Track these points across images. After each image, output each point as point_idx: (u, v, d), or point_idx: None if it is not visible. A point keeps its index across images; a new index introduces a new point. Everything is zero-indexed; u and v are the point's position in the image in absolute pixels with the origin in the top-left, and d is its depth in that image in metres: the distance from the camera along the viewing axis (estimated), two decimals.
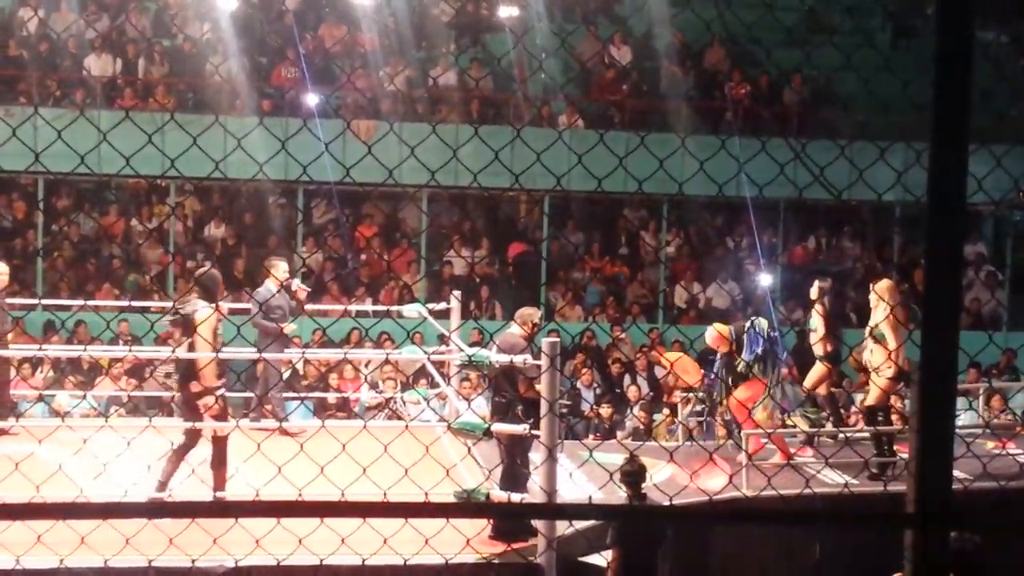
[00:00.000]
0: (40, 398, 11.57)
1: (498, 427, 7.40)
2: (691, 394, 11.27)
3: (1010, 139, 11.89)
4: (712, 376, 9.68)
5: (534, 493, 7.17)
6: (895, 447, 9.16)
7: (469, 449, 8.41)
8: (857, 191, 13.83)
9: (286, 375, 10.57)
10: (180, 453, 7.68)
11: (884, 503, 7.85)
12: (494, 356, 7.77)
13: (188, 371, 7.61)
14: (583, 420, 12.66)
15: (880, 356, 8.86)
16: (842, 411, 10.42)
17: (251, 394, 10.57)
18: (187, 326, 7.57)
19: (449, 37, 17.62)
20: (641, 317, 16.08)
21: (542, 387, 6.92)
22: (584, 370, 13.68)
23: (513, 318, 8.00)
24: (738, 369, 9.12)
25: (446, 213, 17.34)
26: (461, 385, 11.27)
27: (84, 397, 11.08)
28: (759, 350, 9.06)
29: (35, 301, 13.75)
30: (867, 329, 9.15)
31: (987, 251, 17.82)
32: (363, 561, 4.91)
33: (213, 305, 7.69)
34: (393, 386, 12.37)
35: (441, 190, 15.66)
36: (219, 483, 7.59)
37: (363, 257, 16.53)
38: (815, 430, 9.78)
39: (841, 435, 9.61)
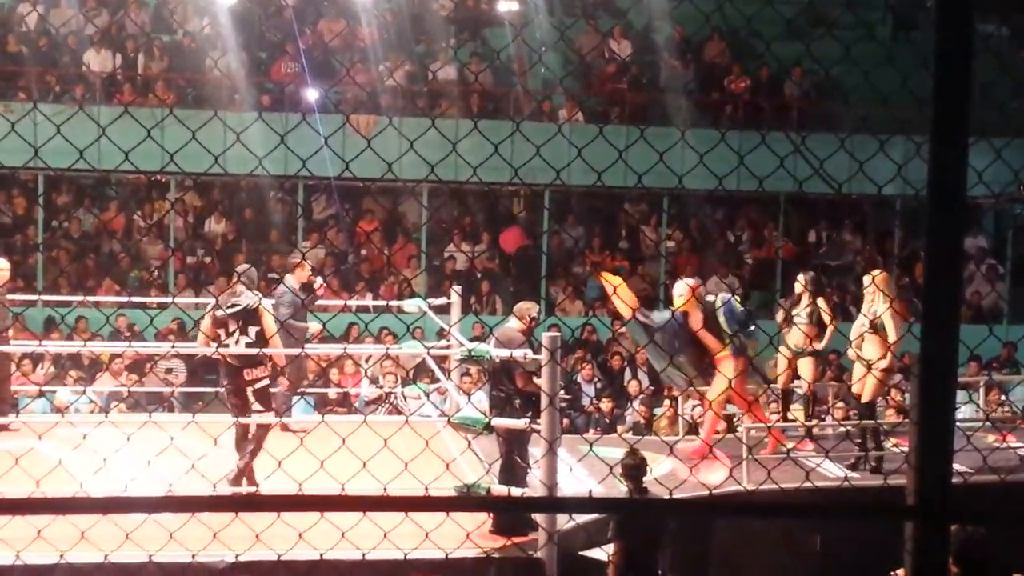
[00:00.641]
0: (40, 394, 11.58)
1: (498, 421, 7.41)
2: None
3: (1010, 132, 11.89)
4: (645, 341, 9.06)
5: (534, 487, 7.18)
6: (895, 440, 9.17)
7: (469, 443, 8.43)
8: (857, 184, 13.84)
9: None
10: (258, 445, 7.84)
11: (885, 496, 7.86)
12: (494, 351, 7.77)
13: (250, 359, 7.91)
14: (583, 415, 12.66)
15: (875, 348, 8.84)
16: (823, 406, 10.38)
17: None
18: (249, 316, 7.93)
19: (448, 31, 17.60)
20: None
21: (542, 381, 6.93)
22: (584, 364, 13.68)
23: (513, 312, 8.02)
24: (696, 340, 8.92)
25: (446, 208, 17.33)
26: (461, 380, 11.28)
27: (83, 392, 11.09)
28: (737, 327, 8.97)
29: (35, 297, 13.75)
30: (860, 321, 9.08)
31: (988, 244, 17.82)
32: (363, 555, 4.91)
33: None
34: (393, 381, 12.38)
35: (441, 185, 15.66)
36: (250, 476, 7.78)
37: (363, 252, 16.52)
38: (813, 423, 9.79)
39: (838, 428, 9.63)
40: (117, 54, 16.29)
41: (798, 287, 9.79)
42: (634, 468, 7.02)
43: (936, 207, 2.23)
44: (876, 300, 8.91)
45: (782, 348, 9.84)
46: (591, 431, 11.71)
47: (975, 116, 2.26)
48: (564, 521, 7.19)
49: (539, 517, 6.81)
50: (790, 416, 10.01)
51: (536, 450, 7.37)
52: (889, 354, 8.74)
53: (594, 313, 15.59)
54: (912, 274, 15.97)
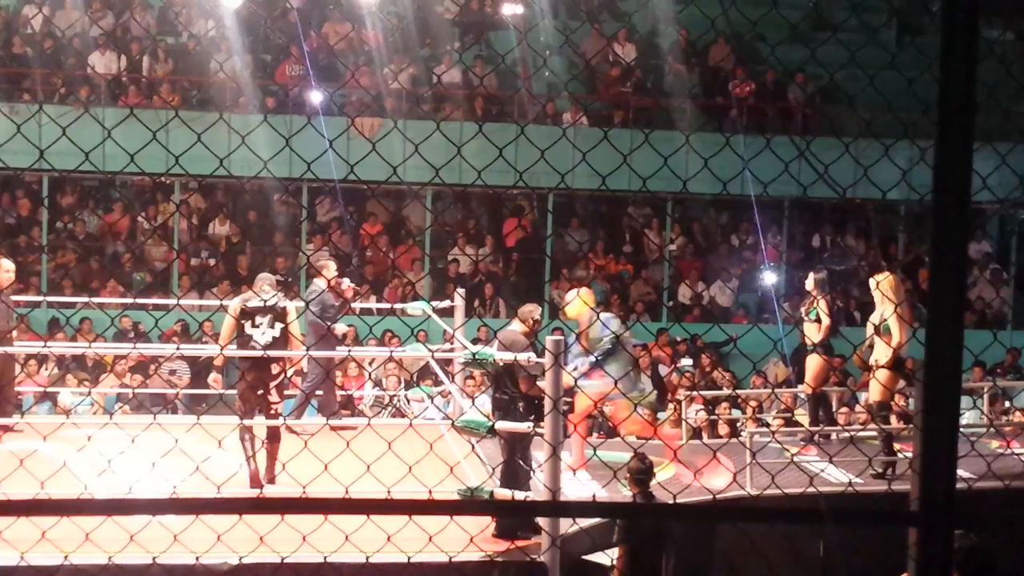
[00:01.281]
0: (45, 395, 11.60)
1: (502, 425, 7.42)
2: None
3: (1015, 137, 11.88)
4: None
5: (537, 491, 7.18)
6: (898, 446, 9.15)
7: (473, 447, 8.43)
8: (862, 189, 13.84)
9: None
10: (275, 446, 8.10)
11: (889, 501, 7.85)
12: (498, 354, 7.78)
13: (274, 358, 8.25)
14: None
15: (883, 352, 8.83)
16: (832, 411, 10.33)
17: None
18: (278, 315, 8.33)
19: (453, 35, 17.62)
20: (645, 315, 16.08)
21: (546, 384, 6.93)
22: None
23: (516, 315, 8.03)
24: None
25: (450, 211, 17.33)
26: (465, 383, 11.27)
27: (88, 394, 11.11)
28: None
29: (40, 298, 13.78)
30: (869, 325, 9.08)
31: (992, 250, 17.81)
32: (367, 559, 4.92)
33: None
34: (396, 384, 12.38)
35: (445, 188, 15.67)
36: (271, 473, 8.01)
37: (367, 255, 16.53)
38: (817, 428, 9.78)
39: (842, 433, 9.61)
40: (122, 56, 16.32)
41: (808, 285, 9.80)
42: (641, 472, 7.01)
43: (941, 212, 2.24)
44: (881, 304, 8.90)
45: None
46: (594, 435, 11.70)
47: (980, 121, 2.26)
48: (567, 525, 7.18)
49: (542, 521, 6.81)
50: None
51: (539, 453, 7.37)
52: (892, 354, 8.71)
53: (598, 317, 15.56)
54: (916, 279, 15.96)
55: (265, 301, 8.30)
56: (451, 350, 10.12)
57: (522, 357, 7.29)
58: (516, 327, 7.82)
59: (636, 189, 14.64)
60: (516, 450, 7.47)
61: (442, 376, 10.31)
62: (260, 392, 8.21)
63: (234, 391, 8.74)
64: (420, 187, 15.39)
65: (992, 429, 10.05)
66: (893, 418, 9.43)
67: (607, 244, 17.11)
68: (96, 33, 16.46)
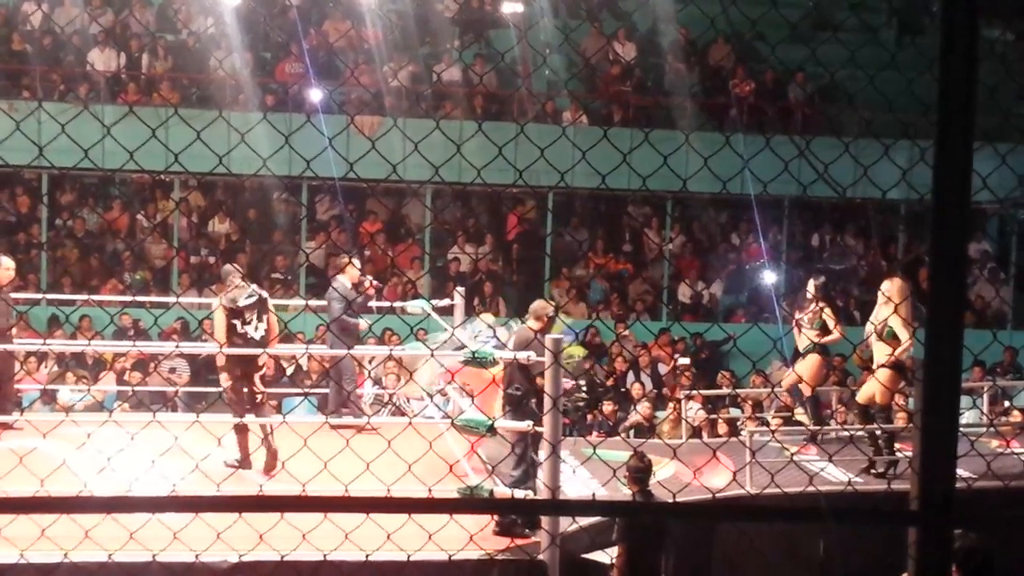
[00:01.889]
0: (44, 393, 11.59)
1: (502, 424, 7.42)
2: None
3: (1015, 137, 11.88)
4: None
5: (537, 489, 7.18)
6: (898, 445, 9.15)
7: (472, 445, 8.43)
8: (861, 189, 13.84)
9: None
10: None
11: (888, 501, 7.85)
12: (498, 352, 7.79)
13: (261, 347, 8.55)
14: (597, 414, 12.59)
15: (882, 353, 8.83)
16: (827, 411, 10.35)
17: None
18: (262, 307, 8.60)
19: (453, 33, 17.61)
20: (645, 314, 16.09)
21: (546, 382, 6.93)
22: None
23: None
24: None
25: (450, 209, 17.33)
26: (465, 382, 11.26)
27: (88, 391, 11.11)
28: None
29: (39, 296, 13.77)
30: (870, 327, 9.07)
31: (992, 249, 17.81)
32: (367, 556, 4.92)
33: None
34: (396, 382, 12.37)
35: (445, 186, 15.66)
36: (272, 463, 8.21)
37: (367, 253, 16.53)
38: (817, 428, 9.78)
39: (842, 432, 9.62)
40: (121, 53, 16.31)
41: (809, 292, 9.80)
42: (640, 471, 7.02)
43: (940, 212, 2.24)
44: (884, 307, 8.89)
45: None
46: (594, 434, 11.71)
47: (980, 121, 2.26)
48: (567, 524, 7.19)
49: (542, 519, 6.81)
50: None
51: (541, 453, 7.38)
52: (896, 355, 8.71)
53: (598, 316, 15.60)
54: (916, 279, 15.96)
55: (251, 296, 8.51)
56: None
57: (523, 355, 7.30)
58: (532, 324, 7.81)
59: (636, 188, 14.63)
60: (528, 447, 7.49)
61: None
62: (247, 387, 8.48)
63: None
64: (420, 185, 15.39)
65: (992, 428, 10.05)
66: (900, 416, 9.43)
67: (607, 243, 17.11)
68: (95, 30, 16.44)
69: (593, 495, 7.86)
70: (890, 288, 8.94)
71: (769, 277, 16.43)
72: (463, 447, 8.61)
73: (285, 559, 4.85)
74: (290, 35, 16.64)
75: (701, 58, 17.70)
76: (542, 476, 6.87)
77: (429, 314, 10.34)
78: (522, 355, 7.35)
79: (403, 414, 11.89)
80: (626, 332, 15.21)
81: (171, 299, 14.39)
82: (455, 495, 6.86)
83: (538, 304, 7.95)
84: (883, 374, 8.82)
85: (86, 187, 16.68)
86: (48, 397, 11.69)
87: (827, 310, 9.67)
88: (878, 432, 9.03)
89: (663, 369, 14.29)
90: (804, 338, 9.67)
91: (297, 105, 15.76)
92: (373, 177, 13.58)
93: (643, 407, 11.95)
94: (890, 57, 14.61)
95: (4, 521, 5.24)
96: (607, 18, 18.29)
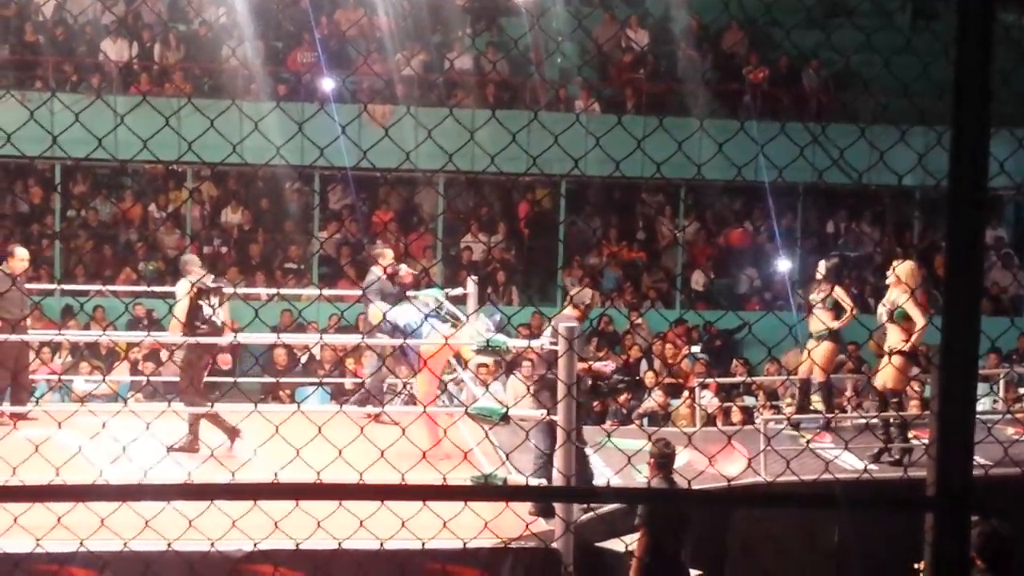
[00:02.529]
0: (59, 382, 11.63)
1: (515, 412, 7.44)
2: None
3: None
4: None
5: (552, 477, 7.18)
6: (913, 432, 9.12)
7: (486, 433, 8.44)
8: (876, 175, 13.77)
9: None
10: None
11: (904, 488, 7.83)
12: (511, 341, 7.85)
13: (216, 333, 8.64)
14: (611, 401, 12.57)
15: (896, 338, 8.79)
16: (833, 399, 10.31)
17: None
18: (223, 296, 8.75)
19: (465, 20, 17.57)
20: (659, 302, 16.06)
21: (560, 371, 6.93)
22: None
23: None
24: None
25: (462, 198, 17.32)
26: (478, 370, 11.27)
27: (103, 380, 11.14)
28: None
29: (53, 286, 13.82)
30: (882, 311, 9.03)
31: (1008, 235, 17.71)
32: (381, 544, 4.92)
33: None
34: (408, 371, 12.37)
35: (458, 175, 15.64)
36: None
37: (380, 242, 16.52)
38: (832, 415, 9.75)
39: (857, 420, 9.59)
40: (134, 43, 16.32)
41: (820, 273, 9.76)
42: (664, 457, 7.05)
43: (957, 198, 2.22)
44: (895, 290, 8.86)
45: (810, 343, 9.83)
46: (607, 422, 11.71)
47: (996, 106, 2.24)
48: (581, 511, 7.19)
49: (557, 507, 6.81)
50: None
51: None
52: (914, 338, 8.67)
53: (612, 303, 15.57)
54: (932, 265, 15.89)
55: (215, 281, 8.68)
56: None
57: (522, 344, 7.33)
58: (570, 312, 7.94)
59: (650, 175, 14.58)
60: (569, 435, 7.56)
61: (455, 363, 10.30)
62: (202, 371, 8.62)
63: (247, 379, 8.78)
64: (433, 174, 15.38)
65: (1008, 415, 10.01)
66: (913, 403, 9.38)
67: (620, 231, 17.07)
68: (108, 20, 16.46)
69: (607, 483, 7.86)
70: (901, 270, 8.89)
71: (783, 264, 16.38)
72: (477, 435, 8.61)
73: (300, 547, 4.87)
74: (302, 24, 16.62)
75: (714, 44, 17.63)
76: (557, 464, 6.86)
77: (442, 303, 10.31)
78: (534, 343, 7.35)
79: (416, 403, 11.89)
80: (639, 320, 15.18)
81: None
82: (469, 483, 6.86)
83: (578, 292, 8.14)
84: (896, 359, 8.78)
85: (99, 178, 16.72)
86: (58, 383, 11.73)
87: (838, 289, 9.63)
88: (891, 419, 9.00)
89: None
90: (816, 320, 9.63)
91: (309, 94, 15.76)
92: (385, 166, 13.58)
93: (657, 395, 11.94)
94: (905, 42, 14.52)
95: (20, 509, 5.25)
96: (619, 5, 18.22)
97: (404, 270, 10.48)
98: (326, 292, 11.93)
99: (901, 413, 8.99)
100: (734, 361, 13.65)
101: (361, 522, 4.89)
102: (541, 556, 6.71)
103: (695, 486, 7.19)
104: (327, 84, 15.92)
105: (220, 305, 8.54)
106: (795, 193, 16.76)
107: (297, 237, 16.26)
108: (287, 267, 15.96)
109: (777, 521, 7.87)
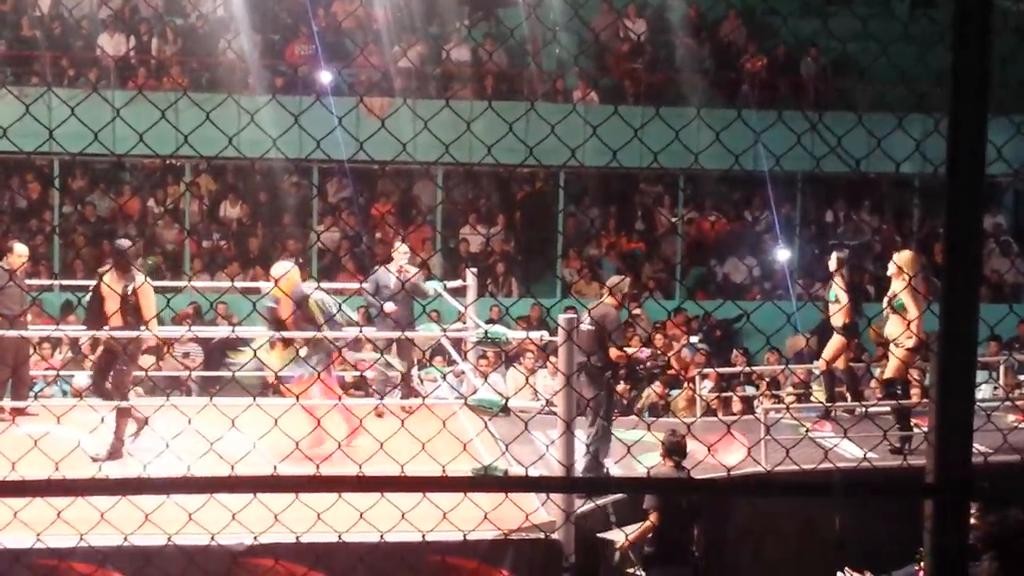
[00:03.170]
0: (57, 378, 11.63)
1: (515, 403, 7.48)
2: None
3: None
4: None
5: (551, 468, 7.18)
6: (914, 420, 9.12)
7: (486, 424, 8.44)
8: (875, 163, 13.75)
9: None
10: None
11: (904, 476, 7.83)
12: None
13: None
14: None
15: (898, 328, 8.81)
16: (836, 388, 10.30)
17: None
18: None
19: (462, 12, 17.54)
20: (658, 292, 16.05)
21: (560, 362, 6.94)
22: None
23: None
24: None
25: (460, 190, 17.30)
26: (478, 362, 11.27)
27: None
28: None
29: (52, 281, 13.80)
30: (885, 300, 9.08)
31: (1007, 222, 17.70)
32: (381, 536, 4.92)
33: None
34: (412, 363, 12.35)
35: (455, 166, 15.62)
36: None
37: (378, 235, 16.51)
38: (832, 404, 9.75)
39: (860, 409, 9.59)
40: (130, 37, 16.29)
41: (832, 266, 9.75)
42: (675, 446, 7.14)
43: (955, 185, 2.21)
44: (896, 280, 8.87)
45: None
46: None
47: (994, 93, 2.23)
48: (582, 502, 7.19)
49: (557, 498, 6.82)
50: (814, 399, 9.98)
51: (553, 432, 7.38)
52: (915, 332, 8.69)
53: (611, 294, 15.53)
54: (931, 253, 15.88)
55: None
56: (463, 329, 10.10)
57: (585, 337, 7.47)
58: (608, 300, 8.18)
59: (648, 165, 14.54)
60: (601, 413, 7.90)
61: (455, 355, 10.31)
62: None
63: (249, 373, 8.74)
64: (430, 165, 15.35)
65: (1008, 402, 10.01)
66: (914, 391, 9.37)
67: (619, 221, 17.05)
68: (104, 15, 16.42)
69: (607, 473, 7.87)
70: (901, 260, 8.92)
71: (782, 253, 16.37)
72: (476, 426, 8.62)
73: (300, 539, 4.87)
74: (299, 17, 16.59)
75: (712, 33, 17.59)
76: (556, 454, 6.86)
77: (441, 295, 10.32)
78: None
79: (416, 395, 11.89)
80: (639, 311, 15.16)
81: (183, 283, 14.41)
82: (469, 475, 6.85)
83: (614, 279, 8.42)
84: (899, 351, 8.80)
85: (97, 173, 16.69)
86: (55, 381, 11.72)
87: (837, 279, 9.64)
88: (892, 408, 9.01)
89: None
90: (835, 314, 9.67)
91: (306, 87, 15.73)
92: (383, 158, 13.55)
93: (656, 386, 11.95)
94: (903, 29, 14.49)
95: (20, 504, 5.25)
96: None
97: (403, 264, 10.39)
98: (325, 285, 11.87)
99: (901, 402, 8.99)
100: (734, 351, 13.66)
101: (361, 514, 4.88)
102: (542, 547, 6.71)
103: (695, 475, 7.20)
104: (324, 77, 15.88)
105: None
106: (794, 182, 16.74)
107: (296, 230, 16.25)
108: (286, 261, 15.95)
109: (778, 509, 7.89)
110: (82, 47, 16.16)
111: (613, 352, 7.98)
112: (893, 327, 8.89)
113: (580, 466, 7.83)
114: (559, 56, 17.16)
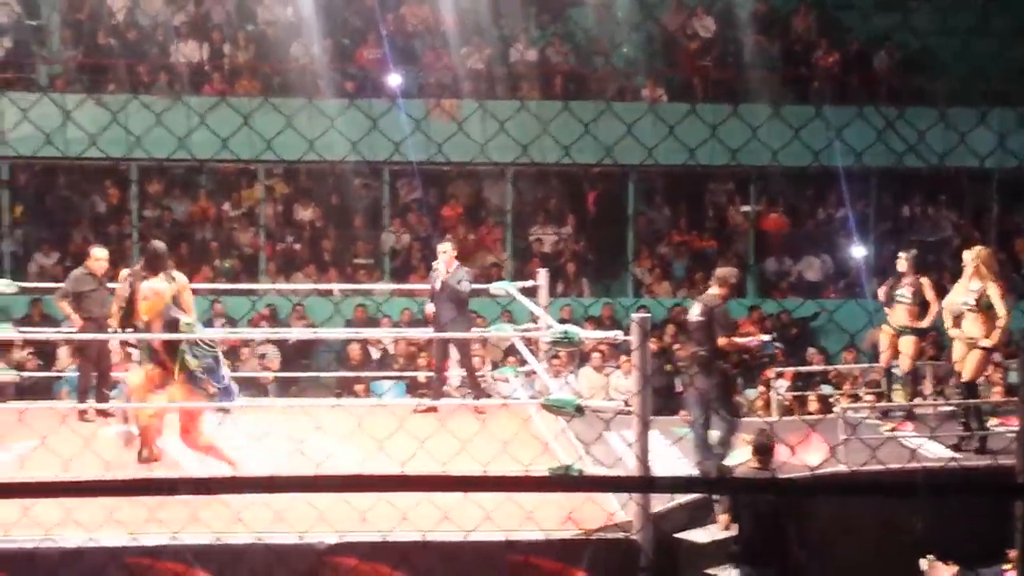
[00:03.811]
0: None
1: (590, 403, 7.48)
2: None
3: None
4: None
5: (628, 468, 7.15)
6: (998, 420, 8.96)
7: (567, 425, 8.42)
8: (953, 158, 13.51)
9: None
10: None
11: (992, 476, 7.68)
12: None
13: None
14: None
15: (978, 327, 8.64)
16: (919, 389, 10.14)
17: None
18: None
19: (531, 13, 17.55)
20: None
21: (634, 361, 6.90)
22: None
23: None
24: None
25: (530, 191, 17.29)
26: (551, 362, 11.26)
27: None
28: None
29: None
30: (959, 298, 8.87)
31: None
32: (465, 536, 4.95)
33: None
34: (482, 364, 12.41)
35: (527, 167, 15.63)
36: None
37: (448, 236, 16.58)
38: (911, 403, 9.60)
39: (939, 409, 9.43)
40: (205, 44, 16.54)
41: (901, 265, 9.59)
42: (763, 446, 7.12)
43: None
44: (980, 276, 8.70)
45: (884, 327, 9.69)
46: (681, 413, 11.63)
47: None
48: (662, 502, 7.16)
49: (635, 498, 6.78)
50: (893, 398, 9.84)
51: (629, 432, 7.35)
52: (996, 332, 8.54)
53: (689, 294, 15.44)
54: (1012, 250, 15.56)
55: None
56: (536, 329, 10.11)
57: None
58: (715, 291, 8.28)
59: (718, 164, 14.41)
60: (724, 396, 8.11)
61: (527, 356, 10.31)
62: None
63: (328, 374, 8.82)
64: (504, 166, 15.41)
65: None
66: (997, 390, 9.20)
67: (690, 220, 16.93)
68: (178, 22, 16.70)
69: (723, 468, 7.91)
70: (978, 257, 8.75)
71: (858, 251, 16.13)
72: (551, 426, 8.62)
73: (386, 539, 4.91)
74: (368, 21, 16.72)
75: (784, 29, 17.40)
76: (633, 454, 6.84)
77: (513, 295, 10.33)
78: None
79: (490, 396, 11.94)
80: (721, 308, 15.02)
81: (259, 286, 14.62)
82: (547, 474, 6.85)
83: (722, 270, 8.47)
84: (978, 351, 8.66)
85: (173, 177, 16.96)
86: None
87: (924, 280, 9.49)
88: (971, 407, 8.85)
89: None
90: (900, 314, 9.49)
91: (376, 90, 15.85)
92: (450, 160, 13.64)
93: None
94: (981, 22, 14.21)
95: (116, 504, 5.38)
96: None
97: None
98: (397, 287, 12.00)
99: (981, 400, 8.83)
100: (809, 349, 13.50)
101: (445, 514, 4.91)
102: (621, 547, 6.67)
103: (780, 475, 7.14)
104: (394, 80, 15.99)
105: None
106: (867, 178, 16.48)
107: (367, 232, 16.38)
108: (358, 262, 16.09)
109: (858, 510, 7.78)
110: (157, 54, 16.43)
111: (722, 341, 8.07)
112: (972, 326, 8.71)
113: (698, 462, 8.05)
114: (628, 55, 17.08)
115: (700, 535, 7.30)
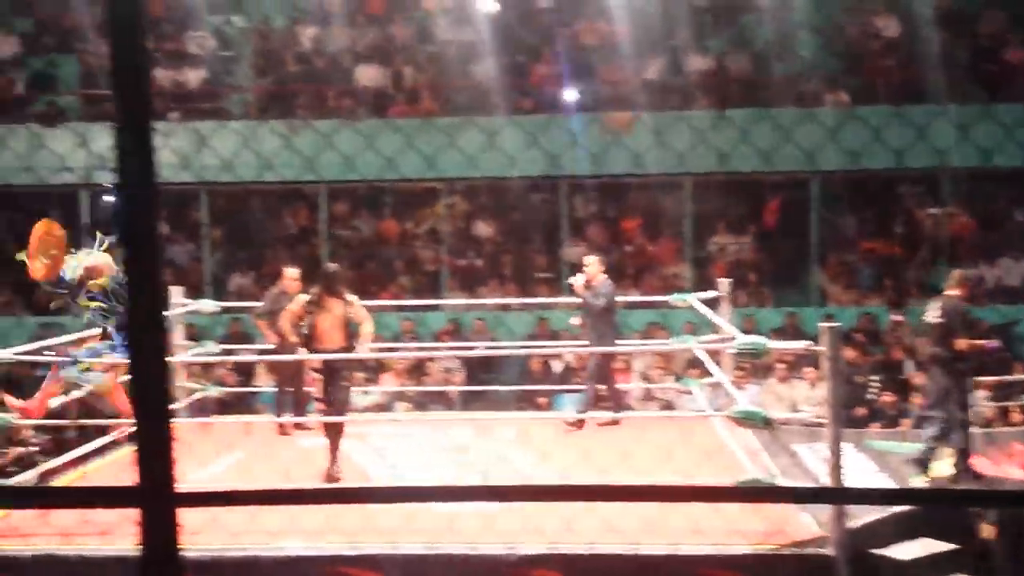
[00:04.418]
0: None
1: (778, 415, 7.31)
2: None
3: None
4: None
5: (820, 482, 6.95)
6: None
7: (754, 437, 8.27)
8: None
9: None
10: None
11: None
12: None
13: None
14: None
15: None
16: None
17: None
18: None
19: (704, 21, 17.35)
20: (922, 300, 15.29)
21: (826, 370, 6.72)
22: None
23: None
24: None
25: (709, 200, 17.07)
26: (735, 374, 11.06)
27: (376, 392, 11.63)
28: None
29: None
30: None
31: None
32: (675, 549, 4.89)
33: None
34: (662, 376, 12.30)
35: (708, 177, 15.45)
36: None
37: (628, 248, 16.53)
38: None
39: None
40: (386, 68, 16.98)
41: None
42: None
43: None
44: None
45: None
46: (877, 425, 11.27)
47: None
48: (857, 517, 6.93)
49: (830, 513, 6.59)
50: None
51: (818, 445, 7.16)
52: None
53: (957, 286, 14.88)
54: None
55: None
56: (719, 341, 9.95)
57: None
58: (952, 293, 8.37)
59: (905, 166, 13.87)
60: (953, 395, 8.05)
61: (711, 367, 10.16)
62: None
63: (505, 387, 8.88)
64: (687, 176, 15.27)
65: None
66: None
67: (877, 226, 16.38)
68: (361, 47, 17.20)
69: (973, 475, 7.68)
70: None
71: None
72: (735, 438, 8.46)
73: (559, 552, 4.88)
74: (543, 37, 16.86)
75: (971, 28, 16.66)
76: (825, 468, 6.65)
77: (692, 306, 10.20)
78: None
79: (672, 408, 11.83)
80: (900, 318, 14.53)
81: (442, 301, 14.90)
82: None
83: (957, 272, 8.65)
84: None
85: (358, 198, 17.46)
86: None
87: None
88: None
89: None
90: None
91: (552, 106, 15.95)
92: (623, 172, 13.59)
93: (917, 397, 11.41)
94: None
95: (300, 512, 5.55)
96: None
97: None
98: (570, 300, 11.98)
99: None
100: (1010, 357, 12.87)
101: (651, 527, 4.87)
102: (813, 564, 6.49)
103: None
104: (570, 95, 16.07)
105: None
106: None
107: (546, 247, 16.49)
108: (538, 276, 16.21)
109: None
110: (341, 79, 16.96)
111: (961, 343, 8.12)
112: None
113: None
114: (805, 60, 16.66)
115: (902, 551, 7.03)
